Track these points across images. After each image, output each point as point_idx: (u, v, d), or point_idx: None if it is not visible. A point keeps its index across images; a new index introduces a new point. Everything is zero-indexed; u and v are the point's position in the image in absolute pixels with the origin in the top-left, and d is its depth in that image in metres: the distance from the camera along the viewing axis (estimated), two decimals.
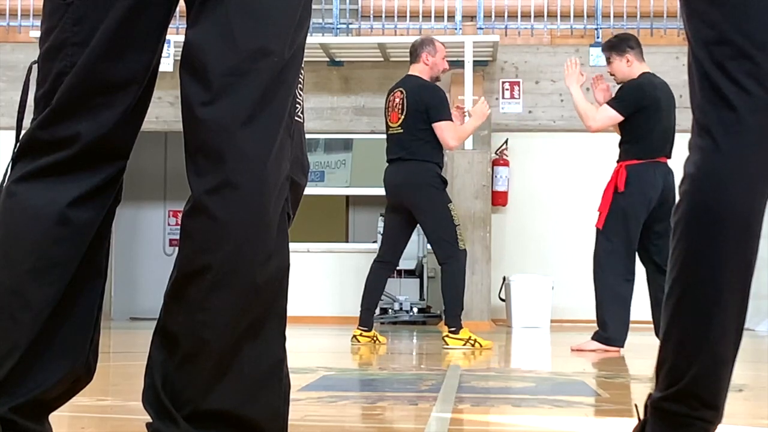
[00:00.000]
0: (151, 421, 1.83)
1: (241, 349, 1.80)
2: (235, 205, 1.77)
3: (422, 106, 7.27)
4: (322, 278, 11.40)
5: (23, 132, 1.88)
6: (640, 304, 10.29)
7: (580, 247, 11.38)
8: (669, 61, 11.51)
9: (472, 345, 7.11)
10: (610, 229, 6.99)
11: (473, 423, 3.39)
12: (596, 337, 6.99)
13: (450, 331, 7.20)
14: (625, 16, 11.71)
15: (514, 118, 11.66)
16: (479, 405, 3.81)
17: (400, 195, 7.28)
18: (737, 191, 1.85)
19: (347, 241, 13.08)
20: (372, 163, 12.69)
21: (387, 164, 7.52)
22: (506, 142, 11.62)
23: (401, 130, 7.32)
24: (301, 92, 1.98)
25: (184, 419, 1.80)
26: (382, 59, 11.53)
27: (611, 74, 7.39)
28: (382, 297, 11.42)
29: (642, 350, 6.96)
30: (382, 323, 11.21)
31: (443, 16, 11.85)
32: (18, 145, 1.87)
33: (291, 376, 1.92)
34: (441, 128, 7.24)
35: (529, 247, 11.41)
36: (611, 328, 6.94)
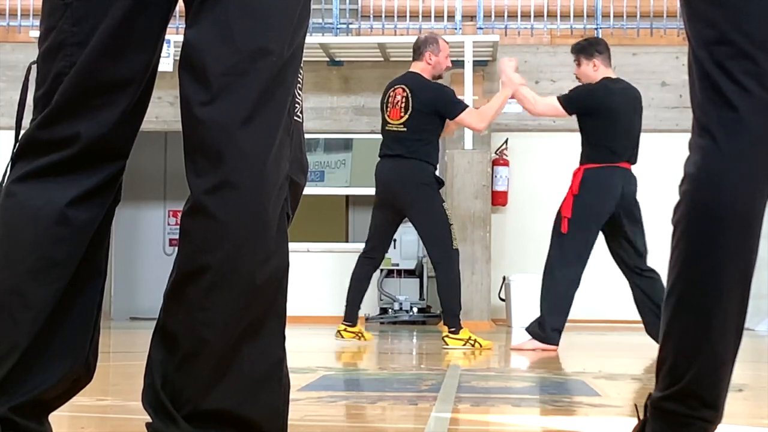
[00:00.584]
0: (150, 421, 1.83)
1: (241, 348, 1.80)
2: (234, 204, 1.77)
3: (430, 108, 7.25)
4: (321, 278, 11.40)
5: (22, 132, 1.88)
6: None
7: None
8: (669, 61, 11.52)
9: (472, 345, 7.10)
10: (562, 230, 7.00)
11: (473, 423, 3.39)
12: (535, 335, 7.02)
13: (450, 332, 7.19)
14: (624, 16, 11.71)
15: (514, 118, 11.65)
16: (479, 405, 3.81)
17: (395, 192, 7.27)
18: (737, 191, 1.85)
19: (347, 241, 13.08)
20: (372, 163, 12.62)
21: (380, 159, 7.51)
22: (506, 141, 11.62)
23: (404, 129, 7.30)
24: (300, 92, 1.98)
25: (184, 419, 1.80)
26: (381, 59, 11.53)
27: (576, 76, 7.42)
28: (382, 297, 11.46)
29: (642, 350, 6.96)
30: (381, 323, 11.20)
31: (443, 16, 11.85)
32: (17, 145, 1.87)
33: (291, 375, 1.92)
34: (463, 119, 7.24)
35: (529, 247, 11.39)
36: (552, 328, 6.96)
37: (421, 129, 7.25)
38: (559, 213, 7.12)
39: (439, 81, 7.58)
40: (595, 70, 7.23)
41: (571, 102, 7.12)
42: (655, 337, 7.11)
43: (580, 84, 7.34)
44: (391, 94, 7.47)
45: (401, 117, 7.32)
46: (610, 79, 7.26)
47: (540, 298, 7.10)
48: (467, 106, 7.34)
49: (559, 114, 7.19)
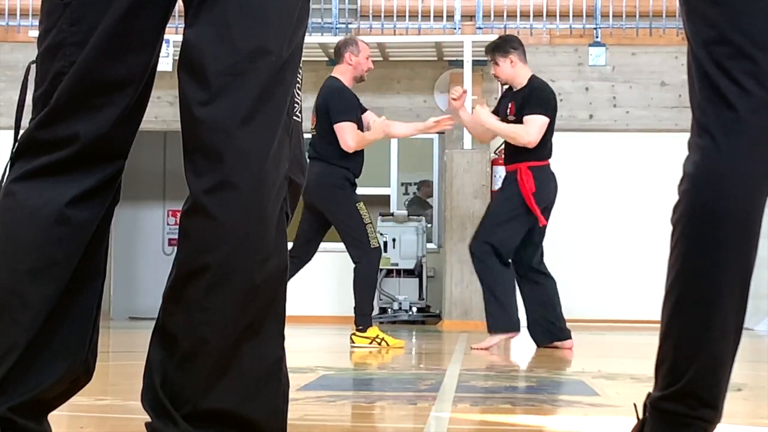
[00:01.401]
0: (150, 420, 1.83)
1: (240, 348, 1.80)
2: (233, 204, 1.77)
3: (324, 110, 7.30)
4: (321, 278, 11.39)
5: (22, 131, 1.88)
6: (641, 304, 10.31)
7: (579, 247, 11.39)
8: (668, 61, 11.52)
9: (379, 344, 7.13)
10: (498, 226, 7.02)
11: (472, 423, 3.39)
12: (495, 330, 7.06)
13: (357, 330, 7.21)
14: (624, 16, 11.71)
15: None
16: (478, 405, 3.81)
17: (309, 195, 7.29)
18: (737, 191, 1.85)
19: None
20: (371, 163, 12.68)
21: None
22: (506, 141, 11.61)
23: (315, 132, 7.38)
24: (299, 92, 1.98)
25: (183, 418, 1.80)
26: (381, 59, 11.52)
27: (495, 76, 7.42)
28: (381, 297, 11.46)
29: (641, 350, 6.96)
30: (381, 323, 11.20)
31: (442, 16, 11.85)
32: (16, 144, 1.87)
33: (290, 375, 1.92)
34: (340, 128, 7.24)
35: None
36: (508, 315, 7.01)
37: (326, 131, 7.28)
38: (495, 207, 7.17)
39: (361, 83, 7.60)
40: (513, 67, 7.24)
41: (547, 107, 7.14)
42: (535, 339, 7.16)
43: (531, 89, 7.26)
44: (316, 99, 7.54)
45: (314, 122, 7.39)
46: (536, 76, 7.34)
47: (486, 295, 7.15)
48: (352, 121, 7.30)
49: (546, 126, 7.17)
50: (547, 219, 7.19)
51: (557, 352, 6.92)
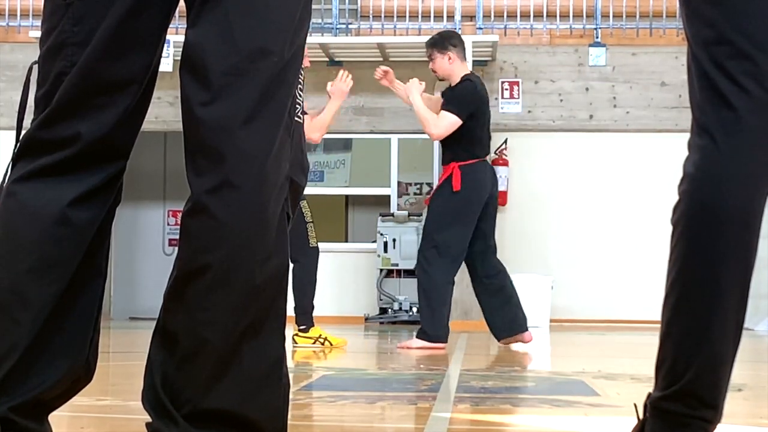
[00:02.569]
0: (150, 420, 1.83)
1: (241, 348, 1.81)
2: (234, 204, 1.77)
3: None
4: (321, 278, 11.35)
5: (23, 132, 1.88)
6: (641, 304, 10.31)
7: (579, 247, 11.40)
8: (668, 61, 11.52)
9: (322, 343, 7.14)
10: (441, 229, 7.02)
11: (473, 423, 3.39)
12: (422, 336, 7.06)
13: (300, 330, 7.22)
14: (624, 16, 11.71)
15: (514, 118, 11.66)
16: (479, 405, 3.81)
17: None
18: (736, 191, 1.85)
19: (346, 241, 13.07)
20: (371, 163, 12.69)
21: None
22: (505, 141, 11.62)
23: None
24: (301, 92, 1.99)
25: (184, 418, 1.80)
26: (381, 59, 11.52)
27: (433, 71, 7.42)
28: (382, 297, 11.46)
29: (642, 350, 6.96)
30: (381, 323, 11.21)
31: (442, 16, 11.85)
32: (18, 145, 1.87)
33: (291, 375, 1.92)
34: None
35: (528, 247, 11.40)
36: (437, 326, 7.02)
37: None
38: (433, 211, 7.13)
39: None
40: (451, 63, 7.27)
41: (462, 108, 7.14)
42: (495, 334, 7.18)
43: (453, 87, 7.31)
44: None
45: None
46: (472, 73, 7.38)
47: (419, 301, 7.17)
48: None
49: (456, 126, 7.14)
50: (493, 212, 7.19)
51: (557, 352, 6.91)
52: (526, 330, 7.18)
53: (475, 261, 7.20)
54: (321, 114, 7.44)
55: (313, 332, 7.21)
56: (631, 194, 11.36)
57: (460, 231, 7.05)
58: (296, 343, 7.18)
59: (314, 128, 7.28)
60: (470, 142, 7.15)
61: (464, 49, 7.43)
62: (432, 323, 7.06)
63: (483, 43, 11.18)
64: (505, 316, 7.18)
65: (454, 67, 7.26)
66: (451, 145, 7.19)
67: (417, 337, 7.12)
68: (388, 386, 4.56)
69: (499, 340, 7.25)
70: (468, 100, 7.17)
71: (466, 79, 7.26)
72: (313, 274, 7.31)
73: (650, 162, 11.42)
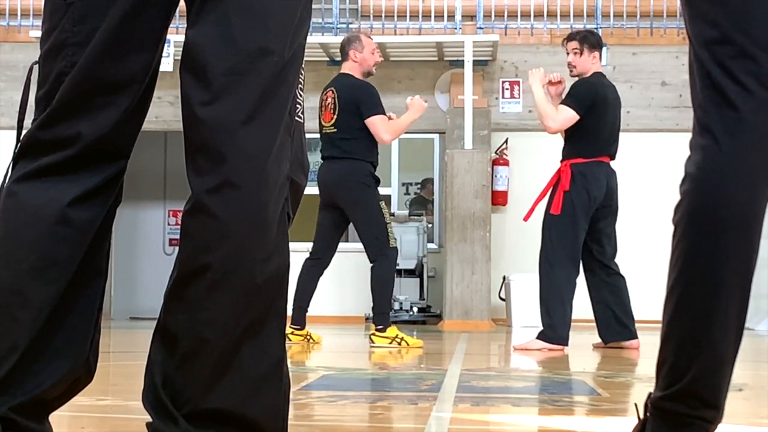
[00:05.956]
0: (151, 420, 1.83)
1: (241, 348, 1.80)
2: (235, 204, 1.77)
3: (353, 105, 7.29)
4: (321, 278, 11.38)
5: (24, 132, 1.88)
6: (644, 304, 10.31)
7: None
8: (669, 61, 11.52)
9: (399, 344, 7.13)
10: (558, 229, 7.01)
11: (473, 423, 3.39)
12: (541, 336, 7.03)
13: (377, 329, 7.22)
14: (624, 16, 11.71)
15: (514, 118, 11.65)
16: (479, 405, 3.81)
17: (333, 193, 7.29)
18: (738, 191, 1.85)
19: (347, 241, 13.06)
20: None
21: (321, 162, 7.56)
22: (506, 141, 11.62)
23: (334, 130, 7.36)
24: (301, 92, 1.98)
25: (184, 418, 1.80)
26: (381, 59, 11.52)
27: (572, 65, 7.41)
28: None
29: (642, 350, 6.96)
30: None
31: (443, 16, 11.85)
32: (19, 144, 1.87)
33: (291, 375, 1.92)
34: (373, 123, 7.25)
35: (529, 247, 11.35)
36: (558, 327, 6.98)
37: (351, 127, 7.28)
38: (548, 212, 7.12)
39: (370, 78, 7.61)
40: (593, 63, 7.33)
41: (580, 103, 7.13)
42: (604, 339, 7.17)
43: (574, 82, 7.35)
44: (324, 97, 7.53)
45: (332, 118, 7.37)
46: (600, 73, 7.36)
47: (540, 301, 7.10)
48: (383, 113, 7.34)
49: (574, 121, 7.15)
50: (610, 213, 7.18)
51: (557, 352, 6.91)
52: (636, 338, 7.17)
53: (592, 259, 7.15)
54: (398, 119, 7.47)
55: (390, 332, 7.20)
56: (632, 194, 11.35)
57: (571, 231, 7.00)
58: (373, 342, 7.19)
59: (388, 130, 7.34)
60: (583, 140, 7.12)
61: (601, 51, 7.51)
62: (552, 324, 7.00)
63: (483, 43, 11.18)
64: (617, 320, 7.19)
65: (594, 68, 7.30)
66: (568, 142, 7.22)
67: (537, 338, 7.06)
68: (389, 386, 4.56)
69: (606, 344, 7.23)
70: (587, 95, 7.16)
71: (594, 75, 7.28)
72: (391, 275, 7.29)
73: (651, 162, 11.42)
